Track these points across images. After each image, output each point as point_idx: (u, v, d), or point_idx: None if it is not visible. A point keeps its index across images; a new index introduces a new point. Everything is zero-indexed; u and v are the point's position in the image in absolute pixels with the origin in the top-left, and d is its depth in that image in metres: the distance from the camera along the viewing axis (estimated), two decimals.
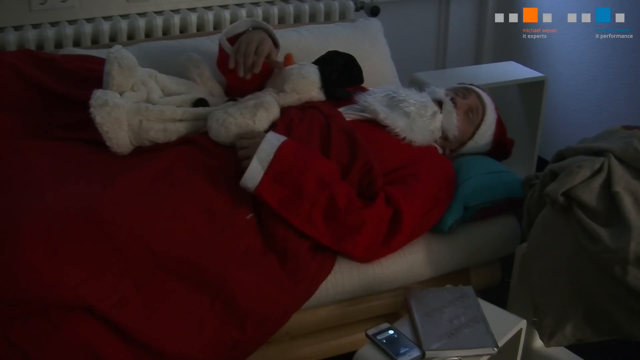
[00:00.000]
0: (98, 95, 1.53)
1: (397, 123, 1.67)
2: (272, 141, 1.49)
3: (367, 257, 1.56)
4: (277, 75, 1.78)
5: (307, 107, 1.73)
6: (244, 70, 1.69)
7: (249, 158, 1.47)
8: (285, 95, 1.74)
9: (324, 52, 1.90)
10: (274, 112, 1.65)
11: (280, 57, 1.80)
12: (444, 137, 1.76)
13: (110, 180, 1.42)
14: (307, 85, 1.75)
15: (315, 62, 1.87)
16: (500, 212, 1.74)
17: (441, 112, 1.72)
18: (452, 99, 1.76)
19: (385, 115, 1.68)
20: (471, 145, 1.81)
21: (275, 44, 1.78)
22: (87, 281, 1.25)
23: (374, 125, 1.69)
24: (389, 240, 1.54)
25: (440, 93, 1.76)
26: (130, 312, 1.28)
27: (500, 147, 1.88)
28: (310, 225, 1.47)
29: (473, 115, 1.78)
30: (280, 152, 1.46)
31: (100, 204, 1.33)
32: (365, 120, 1.71)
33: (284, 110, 1.70)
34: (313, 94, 1.77)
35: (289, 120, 1.64)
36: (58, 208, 1.29)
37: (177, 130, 1.61)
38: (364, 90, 1.84)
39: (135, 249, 1.30)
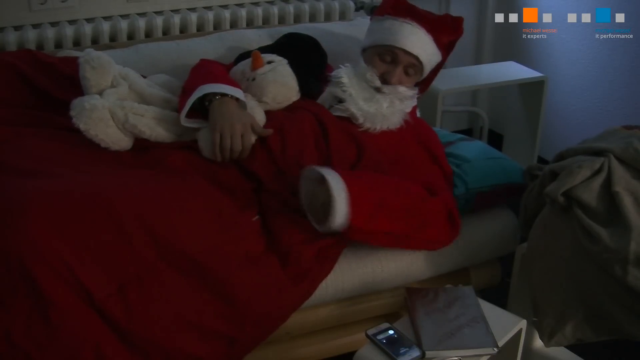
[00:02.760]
0: (75, 103, 1.53)
1: (376, 122, 1.66)
2: (341, 207, 1.41)
3: (448, 238, 1.60)
4: (251, 81, 1.69)
5: (293, 107, 1.71)
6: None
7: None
8: (266, 105, 1.68)
9: None
10: (259, 118, 1.63)
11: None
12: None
13: (117, 171, 1.45)
14: (287, 92, 1.71)
15: (277, 49, 1.81)
16: (499, 200, 1.74)
17: (387, 94, 1.67)
18: (384, 79, 1.68)
19: (363, 119, 1.66)
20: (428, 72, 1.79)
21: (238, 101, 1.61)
22: (89, 264, 1.25)
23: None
24: (454, 220, 1.59)
25: (374, 78, 1.67)
26: (129, 304, 1.28)
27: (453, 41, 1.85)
28: (407, 244, 1.57)
29: (414, 70, 1.72)
30: (353, 204, 1.42)
31: (109, 188, 1.33)
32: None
33: (270, 113, 1.68)
34: (293, 99, 1.73)
35: (279, 125, 1.62)
36: (66, 189, 1.30)
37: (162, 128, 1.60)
38: (329, 70, 1.80)
39: (141, 236, 1.30)
